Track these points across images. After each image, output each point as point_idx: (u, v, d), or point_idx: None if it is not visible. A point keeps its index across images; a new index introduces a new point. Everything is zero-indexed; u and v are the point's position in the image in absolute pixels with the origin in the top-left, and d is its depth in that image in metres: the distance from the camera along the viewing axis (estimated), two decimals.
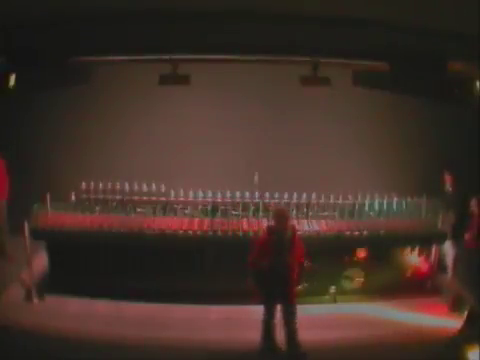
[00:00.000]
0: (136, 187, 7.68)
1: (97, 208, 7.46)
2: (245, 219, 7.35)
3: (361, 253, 7.27)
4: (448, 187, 8.02)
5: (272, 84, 8.86)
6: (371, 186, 7.95)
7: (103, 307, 6.88)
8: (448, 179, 8.03)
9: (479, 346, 5.52)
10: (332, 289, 7.21)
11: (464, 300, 6.80)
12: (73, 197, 7.61)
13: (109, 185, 7.61)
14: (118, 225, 7.17)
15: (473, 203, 7.54)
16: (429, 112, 8.60)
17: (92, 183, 7.60)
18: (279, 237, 5.74)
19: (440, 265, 7.74)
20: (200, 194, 7.63)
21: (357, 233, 7.22)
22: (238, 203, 7.48)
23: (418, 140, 9.13)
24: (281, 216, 5.84)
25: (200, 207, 7.59)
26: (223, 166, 8.86)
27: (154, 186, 7.71)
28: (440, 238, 7.45)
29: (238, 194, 7.58)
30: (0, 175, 7.92)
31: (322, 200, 7.57)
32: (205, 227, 7.23)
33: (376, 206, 7.63)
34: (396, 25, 6.15)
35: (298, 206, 7.52)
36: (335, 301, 7.21)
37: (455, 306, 6.81)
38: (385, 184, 8.22)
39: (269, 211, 7.39)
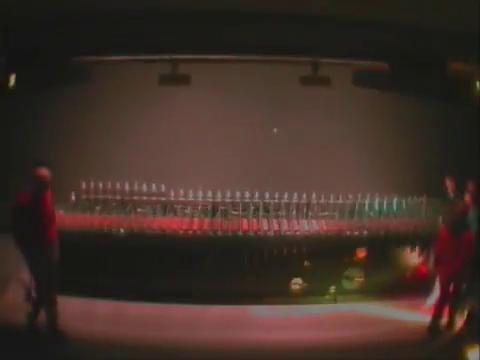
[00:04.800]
0: (136, 187, 7.68)
1: (97, 208, 7.47)
2: (245, 219, 7.35)
3: (361, 253, 7.27)
4: (450, 193, 7.98)
5: (272, 84, 8.85)
6: (371, 186, 7.96)
7: (103, 307, 6.88)
8: (450, 185, 7.98)
9: (479, 346, 5.53)
10: (332, 289, 7.22)
11: (464, 300, 6.79)
12: (73, 197, 7.63)
13: (109, 185, 7.62)
14: (118, 225, 7.18)
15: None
16: (429, 112, 8.59)
17: (92, 183, 7.61)
18: None
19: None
20: (200, 194, 7.65)
21: (357, 233, 7.24)
22: (238, 203, 7.49)
23: (418, 140, 9.13)
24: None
25: (200, 207, 7.60)
26: (223, 166, 8.85)
27: (154, 186, 7.72)
28: None
29: (238, 194, 7.59)
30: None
31: (322, 200, 7.59)
32: (205, 227, 7.24)
33: (376, 206, 7.64)
34: (396, 25, 6.15)
35: (298, 206, 7.53)
36: (335, 301, 7.22)
37: (455, 306, 6.80)
38: (385, 184, 8.22)
39: (269, 211, 7.41)
